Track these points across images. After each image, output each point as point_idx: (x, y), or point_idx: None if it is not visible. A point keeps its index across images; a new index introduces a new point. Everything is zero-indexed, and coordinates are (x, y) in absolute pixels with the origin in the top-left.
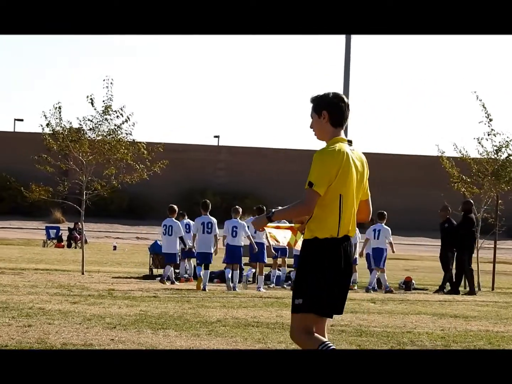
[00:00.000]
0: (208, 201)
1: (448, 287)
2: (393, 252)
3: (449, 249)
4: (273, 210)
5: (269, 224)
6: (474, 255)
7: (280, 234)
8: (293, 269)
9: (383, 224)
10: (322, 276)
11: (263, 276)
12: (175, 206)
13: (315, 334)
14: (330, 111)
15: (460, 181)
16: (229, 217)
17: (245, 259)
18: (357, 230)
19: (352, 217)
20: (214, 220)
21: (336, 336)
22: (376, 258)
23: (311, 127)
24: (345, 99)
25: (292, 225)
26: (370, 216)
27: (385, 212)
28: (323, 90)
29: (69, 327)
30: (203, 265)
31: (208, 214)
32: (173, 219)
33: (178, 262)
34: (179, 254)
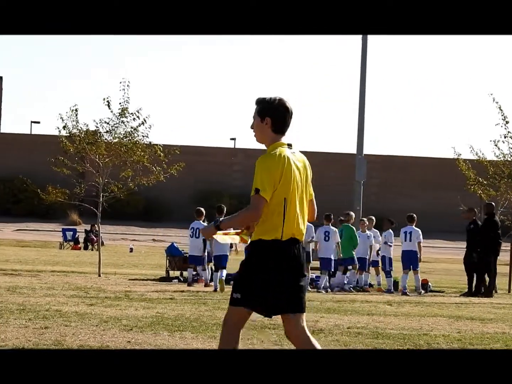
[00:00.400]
0: (223, 205)
1: (468, 288)
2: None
3: (474, 250)
4: (220, 218)
5: (219, 232)
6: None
7: (228, 241)
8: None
9: (413, 226)
10: (266, 277)
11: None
12: (202, 209)
13: (237, 342)
14: (274, 118)
15: (476, 183)
16: None
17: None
18: (375, 232)
19: (297, 220)
20: (203, 224)
21: (352, 338)
22: (409, 260)
23: (251, 127)
24: (290, 108)
25: (240, 230)
26: (315, 215)
27: (414, 215)
28: (338, 90)
29: (86, 329)
30: (216, 267)
31: (201, 219)
32: (201, 221)
33: (204, 265)
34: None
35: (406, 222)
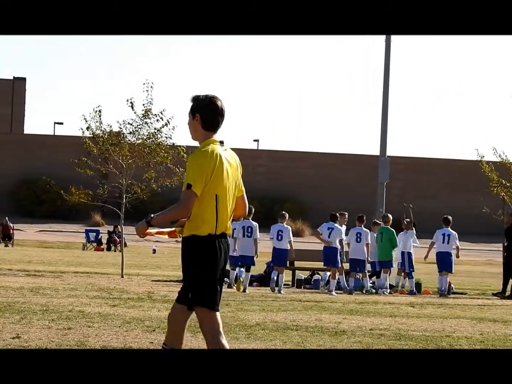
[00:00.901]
0: (251, 206)
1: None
2: (458, 257)
3: None
4: (152, 215)
5: (150, 230)
6: None
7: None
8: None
9: (449, 229)
10: (204, 272)
11: (336, 280)
12: None
13: (182, 336)
14: (203, 115)
15: (499, 185)
16: (269, 222)
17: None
18: (412, 233)
19: (228, 215)
20: (254, 224)
21: (375, 340)
22: (444, 262)
23: (187, 124)
24: (220, 106)
25: (174, 228)
26: (247, 211)
27: (449, 217)
28: (361, 91)
29: (109, 330)
30: (244, 267)
31: (250, 218)
32: (250, 220)
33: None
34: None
35: (442, 224)
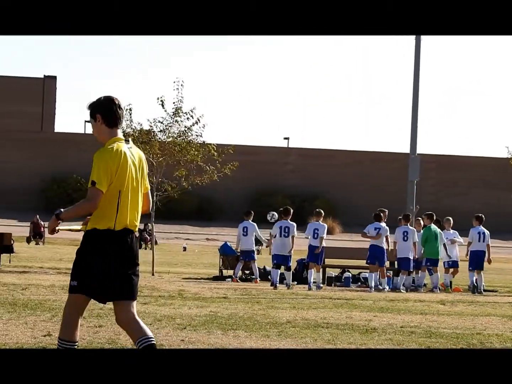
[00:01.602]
0: (289, 207)
1: None
2: (489, 255)
3: None
4: (62, 209)
5: (61, 227)
6: None
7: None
8: (362, 270)
9: (483, 227)
10: (99, 265)
11: (386, 279)
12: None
13: (77, 328)
14: (103, 113)
15: None
16: (299, 219)
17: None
18: (455, 232)
19: (131, 211)
20: (292, 224)
21: (405, 338)
22: (480, 260)
23: (92, 132)
24: (116, 101)
25: (80, 227)
26: (150, 207)
27: (483, 215)
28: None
29: None
30: (276, 265)
31: (288, 219)
32: (288, 220)
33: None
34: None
35: (474, 222)
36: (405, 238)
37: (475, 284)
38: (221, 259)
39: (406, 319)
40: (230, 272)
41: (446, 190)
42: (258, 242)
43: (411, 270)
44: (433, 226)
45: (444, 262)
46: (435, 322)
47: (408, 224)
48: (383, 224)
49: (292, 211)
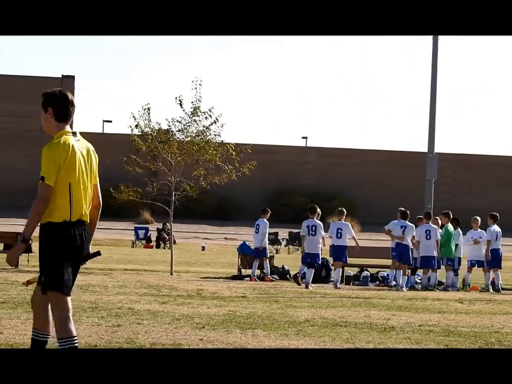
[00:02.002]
0: (316, 206)
1: None
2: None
3: None
4: (20, 233)
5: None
6: None
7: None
8: (381, 268)
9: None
10: (57, 257)
11: (406, 277)
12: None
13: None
14: (55, 107)
15: None
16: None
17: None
18: (460, 231)
19: (83, 202)
20: (318, 223)
21: (424, 336)
22: (498, 258)
23: (40, 121)
24: (69, 97)
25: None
26: (100, 200)
27: (497, 214)
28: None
29: (158, 327)
30: (307, 264)
31: (315, 218)
32: (315, 219)
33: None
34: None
35: (490, 221)
36: (428, 236)
37: (494, 282)
38: (239, 258)
39: (424, 317)
40: (249, 271)
41: (462, 189)
42: (277, 241)
43: (435, 268)
44: (450, 226)
45: (468, 261)
46: (453, 320)
47: (430, 222)
48: (408, 222)
49: (318, 209)
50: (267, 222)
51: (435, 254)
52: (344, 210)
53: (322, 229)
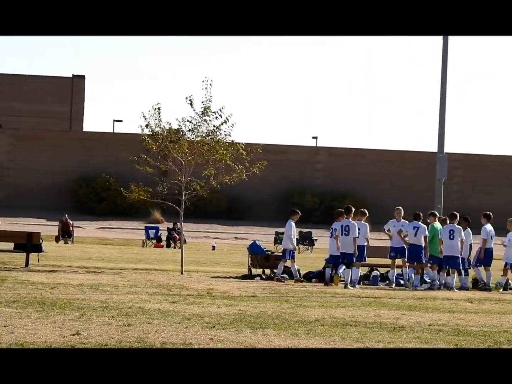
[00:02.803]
0: (351, 206)
1: None
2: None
3: None
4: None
5: None
6: None
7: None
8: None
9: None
10: None
11: (419, 275)
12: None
13: None
14: None
15: None
16: (328, 218)
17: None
18: (470, 231)
19: None
20: (352, 223)
21: (433, 336)
22: (489, 258)
23: None
24: None
25: None
26: None
27: (491, 213)
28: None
29: (169, 326)
30: (345, 264)
31: (350, 218)
32: (349, 219)
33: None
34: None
35: (484, 220)
36: (452, 236)
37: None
38: (249, 258)
39: (434, 317)
40: (259, 270)
41: (472, 188)
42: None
43: (461, 268)
44: (436, 224)
45: (506, 263)
46: (463, 320)
47: (455, 223)
48: (421, 223)
49: (353, 210)
50: (292, 224)
51: (458, 254)
52: (366, 211)
53: (356, 229)
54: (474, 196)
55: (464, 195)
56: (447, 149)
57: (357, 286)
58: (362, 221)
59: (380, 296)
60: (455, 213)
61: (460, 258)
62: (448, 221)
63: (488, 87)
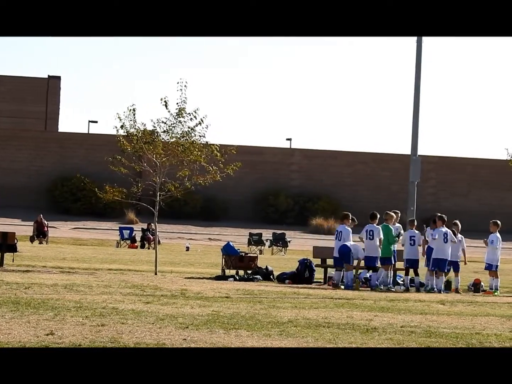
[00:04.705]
0: (376, 212)
1: None
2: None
3: None
4: None
5: None
6: None
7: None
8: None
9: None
10: None
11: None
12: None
13: None
14: None
15: None
16: (302, 220)
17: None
18: (462, 236)
19: None
20: (376, 228)
21: (405, 337)
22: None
23: None
24: None
25: None
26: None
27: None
28: (392, 93)
29: (142, 326)
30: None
31: (374, 223)
32: (375, 224)
33: (376, 266)
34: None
35: (438, 223)
36: (445, 239)
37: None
38: (223, 259)
39: (406, 318)
40: (233, 271)
41: (446, 191)
42: (261, 242)
43: (446, 271)
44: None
45: (490, 265)
46: (435, 322)
47: (444, 226)
48: (417, 231)
49: (378, 216)
50: (349, 229)
51: (448, 257)
52: (377, 214)
53: (380, 233)
54: (447, 198)
55: (438, 197)
56: (421, 151)
57: (392, 287)
58: (374, 225)
59: (352, 297)
60: (443, 216)
61: (447, 261)
62: (440, 224)
63: (462, 89)
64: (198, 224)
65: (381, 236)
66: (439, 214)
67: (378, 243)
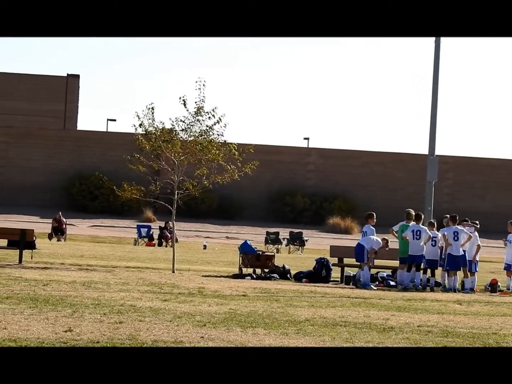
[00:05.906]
0: (420, 213)
1: None
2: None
3: None
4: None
5: None
6: None
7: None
8: (380, 269)
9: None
10: None
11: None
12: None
13: None
14: None
15: None
16: (318, 219)
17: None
18: (477, 234)
19: None
20: (423, 228)
21: (422, 337)
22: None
23: None
24: None
25: None
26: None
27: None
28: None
29: (160, 324)
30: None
31: (420, 223)
32: (420, 225)
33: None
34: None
35: (450, 222)
36: (456, 238)
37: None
38: (241, 257)
39: (423, 318)
40: (250, 270)
41: (463, 191)
42: (278, 241)
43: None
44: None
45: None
46: (452, 321)
47: (457, 224)
48: (422, 226)
49: (422, 216)
50: (373, 229)
51: (463, 255)
52: (413, 212)
53: (427, 233)
54: (464, 198)
55: (454, 197)
56: (438, 151)
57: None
58: (420, 225)
59: (369, 296)
60: (455, 215)
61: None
62: (451, 223)
63: (480, 90)
64: (215, 222)
65: (427, 236)
66: (451, 215)
67: (423, 243)
